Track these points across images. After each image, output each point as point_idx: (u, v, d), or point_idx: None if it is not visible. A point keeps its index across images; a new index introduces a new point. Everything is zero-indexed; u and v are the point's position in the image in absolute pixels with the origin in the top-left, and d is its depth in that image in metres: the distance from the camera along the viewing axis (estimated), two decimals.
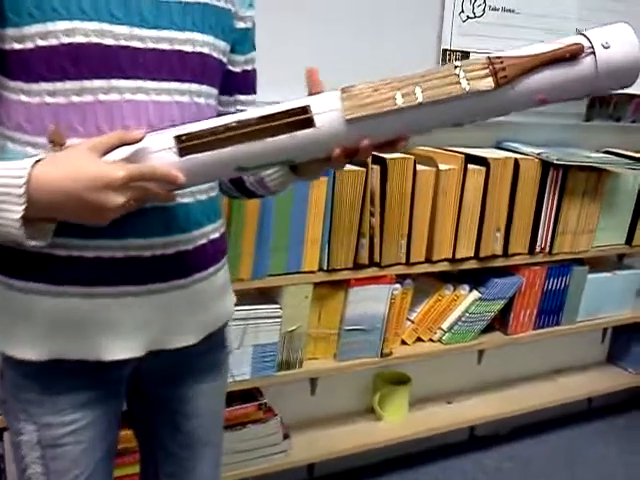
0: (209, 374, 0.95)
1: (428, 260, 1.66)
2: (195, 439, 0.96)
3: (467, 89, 0.70)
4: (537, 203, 1.75)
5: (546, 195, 1.76)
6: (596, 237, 1.90)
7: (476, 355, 2.03)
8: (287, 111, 0.72)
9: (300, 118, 0.71)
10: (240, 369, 1.50)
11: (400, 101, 0.70)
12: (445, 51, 1.70)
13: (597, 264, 2.01)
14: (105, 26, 0.73)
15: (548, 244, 1.82)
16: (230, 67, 0.91)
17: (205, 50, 0.81)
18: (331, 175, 1.46)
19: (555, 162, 1.69)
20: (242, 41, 0.91)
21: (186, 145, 0.71)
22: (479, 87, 0.70)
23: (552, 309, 1.95)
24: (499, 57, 0.71)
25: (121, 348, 0.80)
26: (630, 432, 2.28)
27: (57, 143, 0.69)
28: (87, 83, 0.73)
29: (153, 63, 0.76)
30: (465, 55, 1.73)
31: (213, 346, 0.93)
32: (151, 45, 0.76)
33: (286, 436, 1.67)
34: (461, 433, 2.11)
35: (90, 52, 0.72)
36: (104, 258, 0.77)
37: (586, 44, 0.70)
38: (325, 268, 1.52)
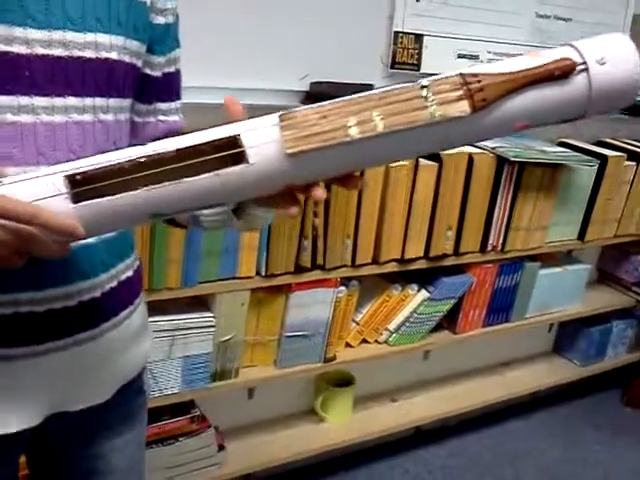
0: (124, 426, 0.83)
1: (375, 261, 1.56)
2: None
3: (436, 116, 0.56)
4: (490, 200, 1.66)
5: (500, 191, 1.66)
6: (549, 233, 1.83)
7: (422, 351, 1.96)
8: (212, 142, 0.56)
9: (229, 153, 0.56)
10: (168, 383, 1.38)
11: (354, 131, 0.55)
12: (397, 34, 1.56)
13: (548, 259, 1.95)
14: None
15: (500, 242, 1.74)
16: (148, 71, 0.75)
17: (113, 55, 0.65)
18: None
19: (512, 159, 1.59)
20: (162, 39, 0.74)
21: (82, 188, 0.55)
22: (451, 113, 0.55)
23: (502, 306, 1.89)
24: (475, 74, 0.56)
25: (11, 420, 0.67)
26: (572, 422, 2.28)
27: None
28: None
29: (44, 75, 0.60)
30: (418, 38, 1.60)
31: (127, 395, 0.80)
32: (41, 51, 0.60)
33: (221, 447, 1.57)
34: (406, 429, 2.05)
35: None
36: None
37: (577, 59, 0.57)
38: (263, 273, 1.40)
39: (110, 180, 0.55)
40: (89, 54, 0.63)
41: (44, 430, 0.73)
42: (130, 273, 0.77)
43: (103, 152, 0.65)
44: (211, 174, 0.56)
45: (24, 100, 0.60)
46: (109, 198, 0.55)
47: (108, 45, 0.64)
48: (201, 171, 0.56)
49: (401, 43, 1.56)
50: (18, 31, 0.58)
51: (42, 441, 0.78)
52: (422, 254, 1.62)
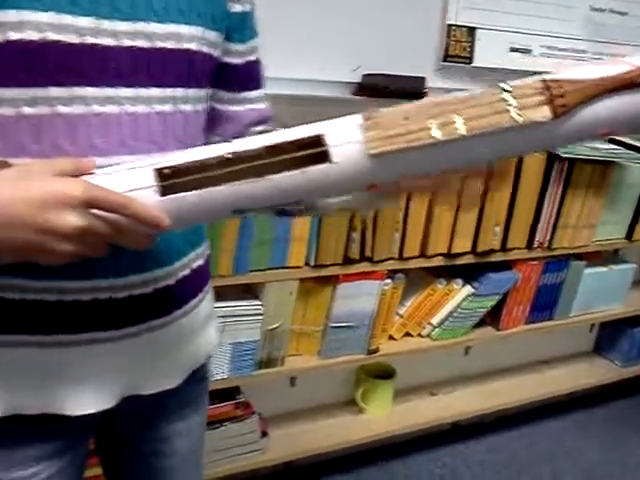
0: (188, 411, 0.84)
1: (422, 255, 1.56)
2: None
3: (518, 120, 0.56)
4: (539, 196, 1.65)
5: (549, 188, 1.65)
6: (596, 231, 1.81)
7: (463, 346, 1.95)
8: (296, 141, 0.57)
9: (313, 152, 0.57)
10: (217, 368, 1.40)
11: (437, 133, 0.56)
12: (450, 26, 1.55)
13: (593, 257, 1.92)
14: (65, 18, 0.57)
15: (547, 239, 1.72)
16: (228, 59, 0.76)
17: (192, 46, 0.66)
18: None
19: (562, 155, 1.58)
20: (240, 27, 0.75)
21: (170, 182, 0.56)
22: (533, 118, 0.55)
23: (546, 304, 1.87)
24: (556, 80, 0.57)
25: (90, 401, 0.69)
26: (611, 424, 2.25)
27: None
28: (41, 91, 0.58)
29: (129, 66, 0.61)
30: (471, 31, 1.58)
31: (193, 382, 0.81)
32: (126, 42, 0.61)
33: (264, 434, 1.59)
34: (444, 423, 2.05)
35: (45, 53, 0.57)
36: (67, 302, 0.64)
37: None
38: (312, 263, 1.41)
39: (197, 175, 0.57)
40: (171, 45, 0.64)
41: (112, 412, 0.75)
42: (201, 262, 0.78)
43: (182, 142, 0.68)
44: (296, 172, 0.57)
45: (110, 91, 0.61)
46: (195, 192, 0.57)
47: (188, 36, 0.65)
48: (285, 169, 0.57)
49: (454, 36, 1.55)
50: (106, 24, 0.59)
51: (109, 423, 0.80)
52: (469, 249, 1.61)
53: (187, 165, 0.57)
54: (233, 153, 0.57)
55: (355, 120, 0.57)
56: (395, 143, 0.56)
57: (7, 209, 0.49)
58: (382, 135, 0.56)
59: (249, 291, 1.42)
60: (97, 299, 0.66)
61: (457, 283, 1.69)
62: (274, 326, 1.44)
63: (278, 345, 1.47)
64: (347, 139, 0.57)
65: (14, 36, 0.55)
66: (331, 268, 1.44)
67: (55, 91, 0.58)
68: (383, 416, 1.82)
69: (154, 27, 0.62)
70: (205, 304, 0.80)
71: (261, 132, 0.80)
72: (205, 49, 0.68)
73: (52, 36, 0.57)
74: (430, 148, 0.56)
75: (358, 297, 1.52)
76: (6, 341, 0.64)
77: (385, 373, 1.82)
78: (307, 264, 1.41)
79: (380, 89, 1.46)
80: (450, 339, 1.74)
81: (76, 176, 0.54)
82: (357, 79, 1.47)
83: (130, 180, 0.56)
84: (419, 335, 1.73)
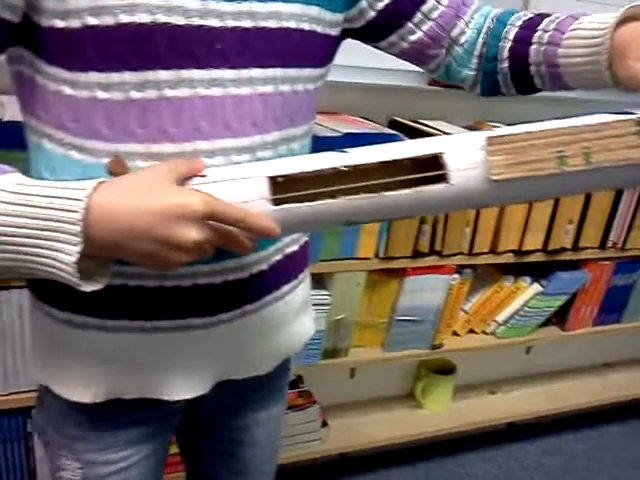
0: (270, 401, 0.84)
1: (492, 251, 1.52)
2: (250, 468, 0.87)
3: None
4: (616, 195, 1.59)
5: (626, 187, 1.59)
6: None
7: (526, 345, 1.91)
8: (415, 159, 0.56)
9: (432, 174, 0.56)
10: None
11: (563, 164, 0.54)
12: None
13: None
14: (174, 0, 0.56)
15: (622, 239, 1.66)
16: (381, 3, 0.71)
17: (291, 24, 0.64)
18: None
19: None
20: None
21: (283, 196, 0.56)
22: None
23: (615, 306, 1.81)
24: None
25: (186, 387, 0.69)
26: None
27: (119, 175, 0.53)
28: (150, 75, 0.57)
29: (233, 47, 0.60)
30: None
31: (277, 372, 0.81)
32: (231, 23, 0.59)
33: (324, 423, 1.59)
34: (501, 422, 2.01)
35: (155, 35, 0.56)
36: (167, 287, 0.64)
37: None
38: (381, 255, 1.40)
39: (311, 186, 0.56)
40: (272, 24, 0.62)
41: (199, 398, 0.74)
42: (295, 247, 0.76)
43: (280, 124, 0.67)
44: (411, 190, 0.56)
45: (216, 73, 0.60)
46: (309, 204, 0.56)
47: (287, 14, 0.63)
48: (401, 187, 0.56)
49: None
50: (212, 4, 0.58)
51: (192, 409, 0.80)
52: (540, 246, 1.57)
53: (301, 175, 0.56)
54: (349, 166, 0.56)
55: (477, 142, 0.56)
56: (519, 171, 0.54)
57: (131, 220, 0.49)
58: (507, 162, 0.54)
59: (317, 281, 1.41)
60: (197, 284, 0.65)
61: (525, 281, 1.65)
62: (340, 317, 1.43)
63: (343, 336, 1.47)
64: (469, 163, 0.55)
65: (125, 19, 0.55)
66: (400, 260, 1.42)
67: (163, 74, 0.58)
68: (441, 412, 1.80)
69: (257, 6, 0.61)
70: (300, 292, 0.79)
71: (476, 16, 0.76)
72: (306, 26, 0.65)
73: (162, 18, 0.56)
74: (553, 177, 0.54)
75: (425, 291, 1.50)
76: (109, 326, 0.65)
77: (445, 369, 1.79)
78: (376, 256, 1.40)
79: None
80: (515, 337, 1.70)
81: (189, 178, 0.54)
82: None
83: (244, 189, 0.56)
84: (483, 332, 1.70)
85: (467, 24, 0.76)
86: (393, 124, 1.46)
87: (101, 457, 0.72)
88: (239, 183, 0.56)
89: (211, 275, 0.66)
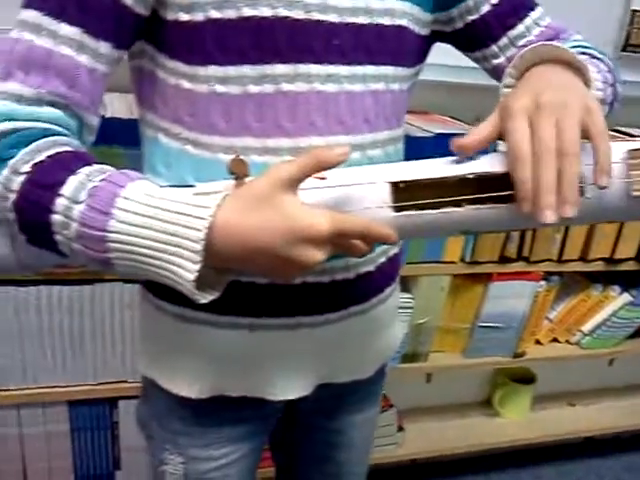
0: (366, 404, 0.83)
1: (582, 258, 1.46)
2: (344, 471, 0.86)
3: None
4: None
5: None
6: None
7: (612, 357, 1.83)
8: None
9: None
10: None
11: None
12: (635, 12, 1.43)
13: None
14: None
15: None
16: (476, 15, 0.69)
17: (404, 22, 0.63)
18: None
19: None
20: None
21: (405, 198, 0.54)
22: None
23: None
24: None
25: (291, 387, 0.69)
26: None
27: (240, 175, 0.52)
28: (269, 69, 0.57)
29: (349, 43, 0.60)
30: None
31: (375, 374, 0.79)
32: (348, 19, 0.59)
33: (400, 428, 1.57)
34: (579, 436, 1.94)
35: (276, 29, 0.56)
36: (277, 284, 0.64)
37: None
38: (467, 259, 1.36)
39: (433, 193, 0.54)
40: (386, 21, 0.61)
41: (299, 398, 0.74)
42: (396, 249, 0.76)
43: (388, 122, 0.66)
44: None
45: (332, 69, 0.59)
46: (432, 212, 0.54)
47: (400, 12, 0.63)
48: None
49: (637, 23, 1.43)
50: (331, 0, 0.58)
51: (290, 410, 0.80)
52: (633, 255, 1.50)
53: (424, 181, 0.54)
54: (475, 174, 0.54)
55: (617, 154, 0.52)
56: None
57: (254, 238, 0.48)
58: None
59: (401, 283, 1.38)
60: (305, 282, 0.65)
61: (614, 290, 1.57)
62: (422, 320, 1.40)
63: (424, 340, 1.44)
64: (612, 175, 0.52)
65: (248, 12, 0.55)
66: (486, 265, 1.38)
67: (281, 68, 0.58)
68: (519, 422, 1.75)
69: (373, 3, 0.60)
70: (396, 294, 0.78)
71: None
72: (412, 26, 0.65)
73: (283, 12, 0.56)
74: None
75: (510, 297, 1.45)
76: (219, 322, 0.65)
77: (524, 377, 1.74)
78: (462, 260, 1.36)
79: None
80: (600, 349, 1.63)
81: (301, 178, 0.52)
82: None
83: (365, 195, 0.54)
84: (567, 342, 1.63)
85: None
86: None
87: (204, 453, 0.72)
88: (360, 189, 0.55)
89: (320, 274, 0.65)
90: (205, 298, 0.50)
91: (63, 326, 1.15)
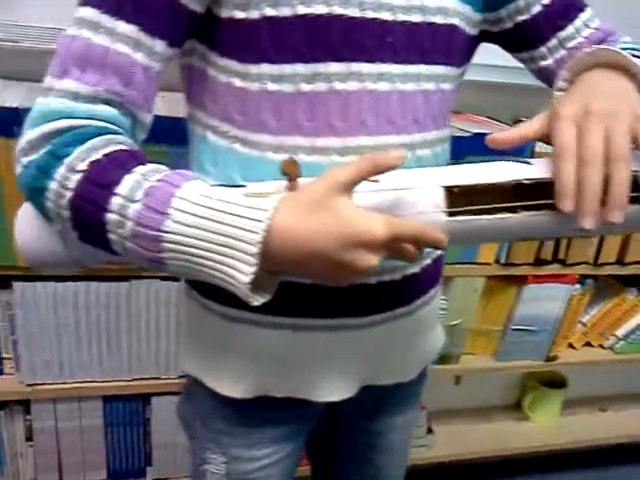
0: (404, 407, 0.83)
1: (619, 261, 1.44)
2: (383, 474, 0.85)
3: None
4: None
5: None
6: None
7: None
8: None
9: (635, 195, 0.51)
10: None
11: None
12: None
13: None
14: None
15: None
16: (527, 15, 0.68)
17: (455, 21, 0.63)
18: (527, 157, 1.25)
19: None
20: None
21: (459, 204, 0.53)
22: None
23: None
24: None
25: (335, 388, 0.68)
26: None
27: (292, 176, 0.52)
28: (322, 67, 0.57)
29: (402, 41, 0.59)
30: None
31: (417, 377, 0.79)
32: (401, 17, 0.58)
33: (430, 430, 1.56)
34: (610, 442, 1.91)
35: (330, 26, 0.56)
36: (322, 286, 0.63)
37: None
38: (502, 261, 1.35)
39: (488, 198, 0.53)
40: (439, 20, 0.61)
41: (337, 401, 0.73)
42: (440, 251, 0.75)
43: (436, 122, 0.66)
44: None
45: (384, 68, 0.59)
46: (487, 217, 0.53)
47: (453, 11, 0.62)
48: None
49: None
50: None
51: (331, 411, 0.79)
52: None
53: (478, 186, 0.54)
54: (532, 180, 0.53)
55: None
56: None
57: (310, 242, 0.48)
58: None
59: None
60: (352, 284, 0.64)
61: None
62: (455, 322, 1.39)
63: (456, 342, 1.43)
64: None
65: (303, 10, 0.55)
66: (521, 267, 1.37)
67: (334, 67, 0.57)
68: (548, 426, 1.73)
69: (427, 1, 0.59)
70: (439, 295, 0.78)
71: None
72: (463, 26, 0.64)
73: (338, 10, 0.55)
74: None
75: (544, 300, 1.44)
76: (265, 322, 0.65)
77: (554, 381, 1.72)
78: (497, 261, 1.35)
79: None
80: (635, 354, 1.61)
81: (357, 182, 0.51)
82: None
83: (419, 200, 0.54)
84: (600, 346, 1.61)
85: None
86: (518, 124, 1.40)
87: (247, 453, 0.72)
88: (414, 193, 0.54)
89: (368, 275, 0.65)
90: (258, 300, 0.49)
91: (100, 322, 1.16)
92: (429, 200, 0.54)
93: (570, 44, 0.70)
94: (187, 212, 0.47)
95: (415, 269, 0.69)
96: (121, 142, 0.52)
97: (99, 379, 1.22)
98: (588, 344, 1.60)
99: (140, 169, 0.49)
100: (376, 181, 0.54)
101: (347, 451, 0.85)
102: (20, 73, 1.11)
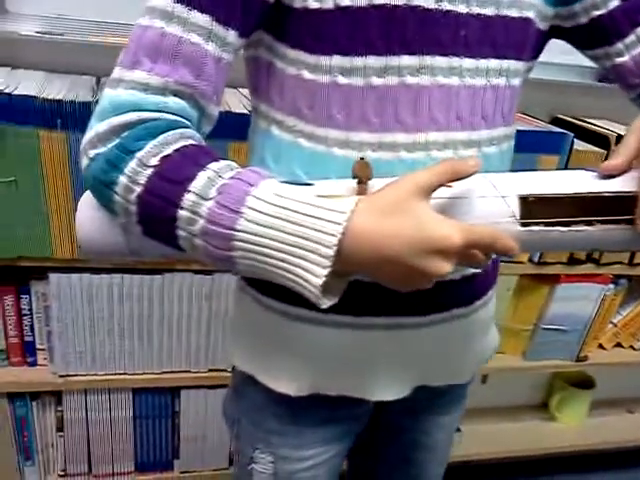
0: (452, 407, 0.81)
1: None
2: (425, 474, 0.84)
3: None
4: None
5: None
6: None
7: None
8: None
9: None
10: None
11: None
12: None
13: None
14: None
15: None
16: (597, 12, 0.65)
17: (530, 14, 0.61)
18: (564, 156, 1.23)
19: None
20: None
21: (533, 214, 0.52)
22: None
23: None
24: None
25: (389, 388, 0.67)
26: None
27: (362, 181, 0.51)
28: (394, 60, 0.55)
29: (476, 35, 0.57)
30: None
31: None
32: (476, 10, 0.56)
33: (457, 429, 1.54)
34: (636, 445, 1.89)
35: (406, 18, 0.54)
36: (381, 285, 0.62)
37: None
38: (536, 260, 1.33)
39: (564, 210, 0.52)
40: (513, 13, 0.59)
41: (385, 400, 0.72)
42: None
43: (505, 119, 0.64)
44: None
45: (456, 61, 0.57)
46: (561, 229, 0.53)
47: (528, 4, 0.60)
48: None
49: None
50: None
51: (378, 409, 0.78)
52: None
53: (555, 197, 0.53)
54: (613, 193, 0.52)
55: None
56: None
57: (386, 246, 0.47)
58: None
59: None
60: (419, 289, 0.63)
61: None
62: None
63: None
64: None
65: (379, 0, 0.53)
66: (554, 266, 1.35)
67: (407, 60, 0.56)
68: (575, 427, 1.71)
69: None
70: (494, 298, 0.76)
71: None
72: (536, 19, 0.63)
73: (415, 1, 0.54)
74: None
75: (576, 300, 1.42)
76: (322, 320, 0.64)
77: (582, 382, 1.70)
78: (530, 260, 1.33)
79: None
80: None
81: (435, 188, 0.50)
82: None
83: (495, 209, 0.53)
84: (631, 347, 1.59)
85: None
86: (555, 122, 1.38)
87: (296, 453, 0.71)
88: (490, 202, 0.53)
89: None
90: (326, 303, 0.48)
91: (133, 314, 1.16)
92: (503, 209, 0.53)
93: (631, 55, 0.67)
94: (261, 212, 0.46)
95: (475, 270, 0.68)
96: (191, 136, 0.51)
97: (130, 371, 1.22)
98: (618, 345, 1.58)
99: (213, 165, 0.48)
100: (450, 186, 0.53)
101: (392, 450, 0.84)
102: (64, 66, 1.11)
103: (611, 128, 1.31)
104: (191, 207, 0.47)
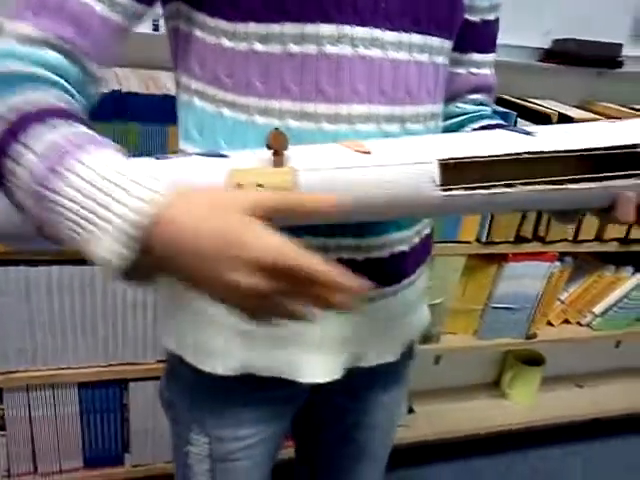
0: (393, 385, 0.81)
1: (598, 238, 1.44)
2: (365, 452, 0.84)
3: None
4: None
5: None
6: None
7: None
8: (610, 155, 0.52)
9: (634, 173, 0.52)
10: None
11: None
12: None
13: None
14: None
15: None
16: (467, 15, 0.68)
17: None
18: None
19: None
20: None
21: (457, 186, 0.52)
22: None
23: None
24: None
25: (320, 370, 0.66)
26: None
27: (278, 152, 0.49)
28: (311, 28, 0.55)
29: (396, 7, 0.57)
30: None
31: (402, 356, 0.77)
32: None
33: (410, 410, 1.56)
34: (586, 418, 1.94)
35: None
36: None
37: None
38: (483, 240, 1.34)
39: (485, 174, 0.52)
40: None
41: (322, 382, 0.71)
42: (428, 230, 0.74)
43: (431, 96, 0.64)
44: (600, 185, 0.52)
45: (377, 33, 0.57)
46: (482, 192, 0.52)
47: None
48: (589, 181, 0.52)
49: None
50: None
51: (316, 391, 0.77)
52: None
53: (474, 160, 0.52)
54: (533, 153, 0.52)
55: None
56: None
57: (193, 239, 0.42)
58: None
59: None
60: (341, 259, 0.62)
61: (627, 271, 1.57)
62: (436, 302, 1.38)
63: (436, 321, 1.42)
64: None
65: None
66: (501, 245, 1.36)
67: (325, 28, 0.55)
68: (527, 404, 1.74)
69: None
70: (424, 276, 0.76)
71: (476, 102, 0.75)
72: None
73: None
74: None
75: (524, 278, 1.44)
76: None
77: (532, 359, 1.73)
78: (477, 240, 1.34)
79: (571, 56, 1.34)
80: (611, 330, 1.63)
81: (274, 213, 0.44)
82: (546, 44, 1.36)
83: (412, 175, 0.52)
84: (578, 323, 1.63)
85: (465, 103, 0.75)
86: (500, 102, 1.39)
87: (231, 433, 0.70)
88: (407, 169, 0.52)
89: (355, 251, 0.63)
90: (112, 277, 0.42)
91: (74, 307, 1.12)
92: (423, 175, 0.52)
93: (459, 70, 0.72)
94: (75, 174, 0.41)
95: (404, 247, 0.67)
96: (57, 96, 0.48)
97: (74, 365, 1.18)
98: (566, 321, 1.62)
99: (54, 122, 0.44)
100: (367, 152, 0.52)
101: (331, 431, 0.84)
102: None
103: (553, 107, 1.33)
104: (17, 157, 0.43)
